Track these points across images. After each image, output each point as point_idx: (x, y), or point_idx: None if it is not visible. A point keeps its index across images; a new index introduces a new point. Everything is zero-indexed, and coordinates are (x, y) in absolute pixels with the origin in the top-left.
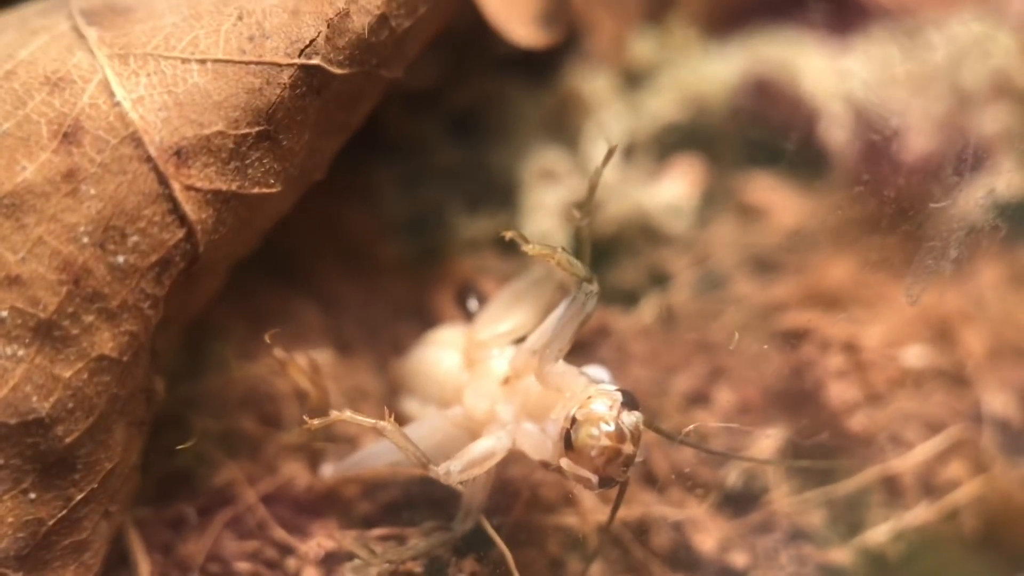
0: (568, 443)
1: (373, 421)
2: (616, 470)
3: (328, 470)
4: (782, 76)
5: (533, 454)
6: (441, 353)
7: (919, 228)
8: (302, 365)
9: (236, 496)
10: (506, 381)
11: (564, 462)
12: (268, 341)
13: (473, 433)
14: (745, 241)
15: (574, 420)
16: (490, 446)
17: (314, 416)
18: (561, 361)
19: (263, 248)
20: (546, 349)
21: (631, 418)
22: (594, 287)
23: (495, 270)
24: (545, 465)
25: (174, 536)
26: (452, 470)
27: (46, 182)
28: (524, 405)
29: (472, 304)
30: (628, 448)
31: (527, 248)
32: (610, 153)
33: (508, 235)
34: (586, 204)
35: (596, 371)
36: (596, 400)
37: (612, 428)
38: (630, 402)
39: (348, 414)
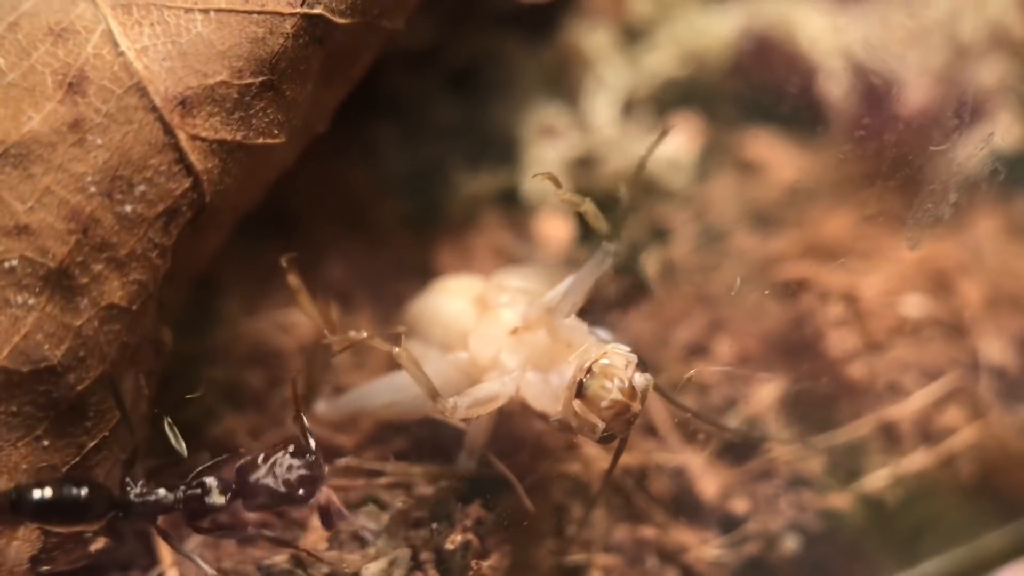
0: (579, 392)
1: (389, 345)
2: (620, 425)
3: (322, 406)
4: (780, 32)
5: (534, 403)
6: (448, 299)
7: (918, 172)
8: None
9: (243, 448)
10: (515, 331)
11: (577, 404)
12: (284, 264)
13: (474, 379)
14: (744, 196)
15: (590, 370)
16: (496, 389)
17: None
18: (573, 316)
19: (265, 206)
20: (560, 303)
21: (642, 379)
22: (613, 247)
23: (496, 226)
24: (544, 416)
25: None
26: (459, 405)
27: (52, 132)
28: (531, 356)
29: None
30: (636, 407)
31: (558, 193)
32: (663, 133)
33: (543, 176)
34: (633, 178)
35: (603, 333)
36: (613, 356)
37: (625, 385)
38: (641, 365)
39: (365, 335)
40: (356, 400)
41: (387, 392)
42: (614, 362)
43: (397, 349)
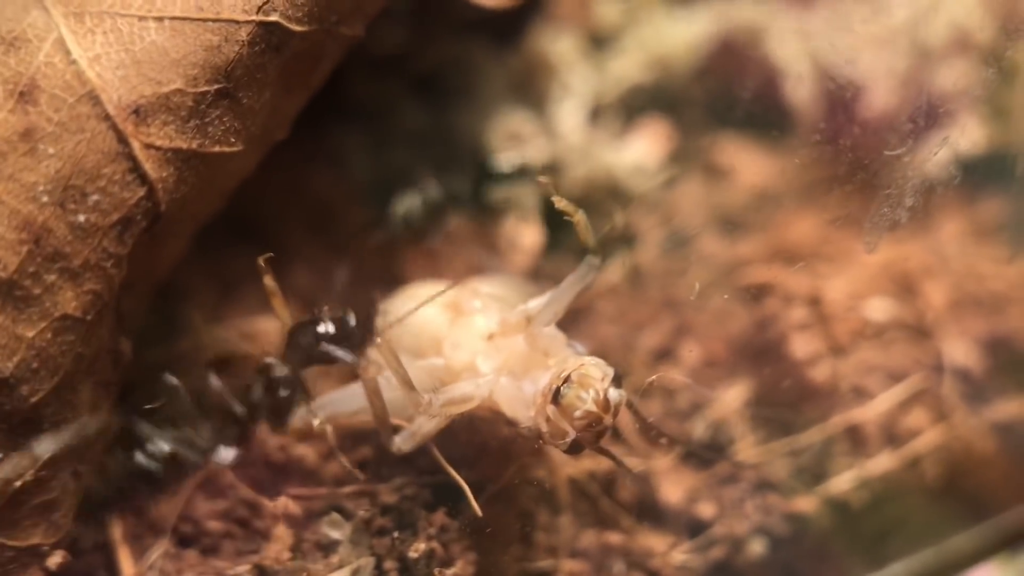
0: (554, 398)
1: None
2: (590, 437)
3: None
4: (747, 37)
5: (507, 408)
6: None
7: (875, 177)
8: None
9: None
10: (491, 337)
11: (551, 410)
12: (262, 264)
13: (446, 385)
14: (711, 201)
15: (567, 379)
16: (471, 390)
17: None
18: (553, 326)
19: (231, 213)
20: (541, 312)
21: (616, 394)
22: (597, 261)
23: (463, 233)
24: (514, 422)
25: (146, 497)
26: (434, 401)
27: (3, 141)
28: (507, 361)
29: None
30: (608, 420)
31: (556, 199)
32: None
33: (542, 180)
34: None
35: (580, 348)
36: (591, 368)
37: (600, 397)
38: (617, 381)
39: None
40: (326, 407)
41: (352, 400)
42: (591, 374)
43: (379, 339)
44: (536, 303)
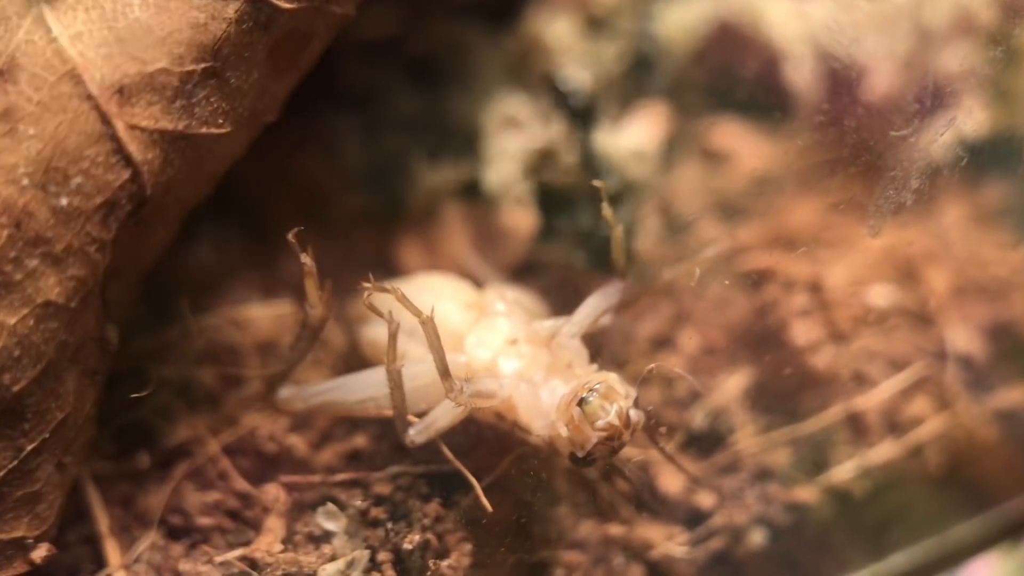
0: (579, 405)
1: (417, 310)
2: (605, 450)
3: (286, 393)
4: (745, 19)
5: (522, 414)
6: (438, 299)
7: (880, 159)
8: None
9: (196, 448)
10: (513, 342)
11: (575, 412)
12: (292, 240)
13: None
14: (710, 186)
15: (594, 388)
16: (495, 387)
17: (301, 339)
18: (578, 339)
19: (222, 199)
20: (567, 325)
21: (636, 414)
22: (621, 284)
23: (457, 219)
24: (525, 429)
25: (134, 489)
26: (465, 390)
27: None
28: (528, 367)
29: None
30: (626, 436)
31: (604, 207)
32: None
33: (597, 183)
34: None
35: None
36: (616, 384)
37: (624, 412)
38: (636, 402)
39: (400, 293)
40: (330, 391)
41: (360, 389)
42: (617, 389)
43: (424, 316)
44: (562, 320)
